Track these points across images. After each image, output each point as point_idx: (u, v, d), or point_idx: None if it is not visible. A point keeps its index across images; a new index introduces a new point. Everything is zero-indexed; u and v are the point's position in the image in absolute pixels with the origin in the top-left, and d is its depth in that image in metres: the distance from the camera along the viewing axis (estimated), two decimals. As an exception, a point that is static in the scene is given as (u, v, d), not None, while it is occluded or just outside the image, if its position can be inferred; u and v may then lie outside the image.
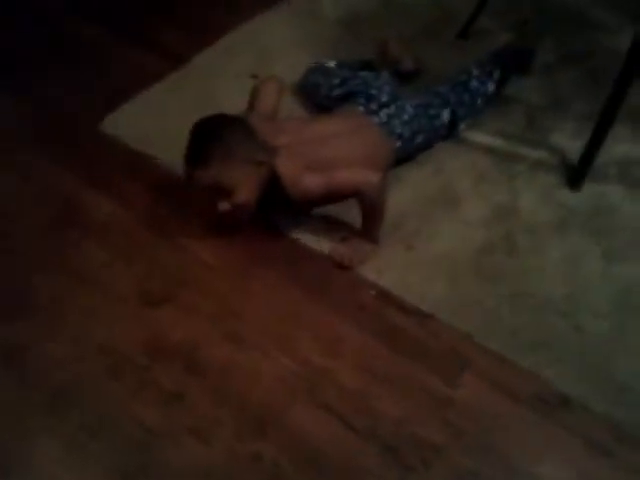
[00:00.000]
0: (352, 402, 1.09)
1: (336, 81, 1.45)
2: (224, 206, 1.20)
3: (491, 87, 1.49)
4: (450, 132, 1.46)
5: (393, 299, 1.21)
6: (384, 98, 1.39)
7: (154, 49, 1.73)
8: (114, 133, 1.52)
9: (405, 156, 1.40)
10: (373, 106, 1.38)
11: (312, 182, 1.22)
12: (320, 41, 1.75)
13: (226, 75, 1.66)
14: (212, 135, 1.21)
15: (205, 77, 1.65)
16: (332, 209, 1.33)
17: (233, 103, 1.54)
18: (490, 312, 1.18)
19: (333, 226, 1.32)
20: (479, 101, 1.47)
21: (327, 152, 1.26)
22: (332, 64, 1.57)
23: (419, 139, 1.39)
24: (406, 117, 1.36)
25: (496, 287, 1.22)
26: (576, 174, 1.39)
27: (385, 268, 1.25)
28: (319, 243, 1.29)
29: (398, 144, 1.36)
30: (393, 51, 1.62)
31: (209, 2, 1.91)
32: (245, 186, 1.21)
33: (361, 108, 1.38)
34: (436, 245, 1.28)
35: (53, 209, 1.37)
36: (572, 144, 1.47)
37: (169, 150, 1.45)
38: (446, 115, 1.42)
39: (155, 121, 1.54)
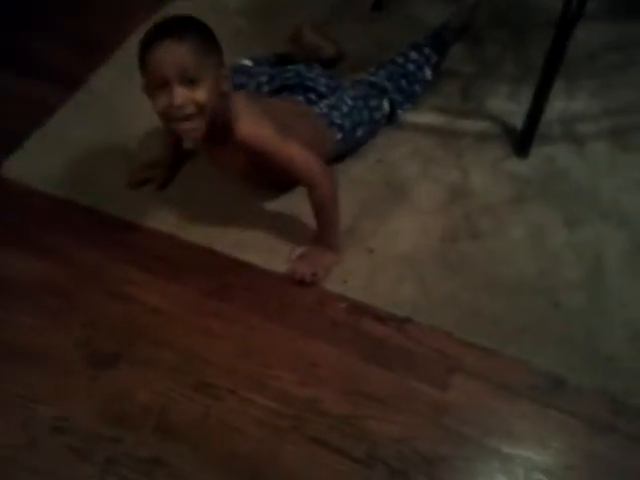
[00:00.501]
0: (344, 429, 1.01)
1: (264, 79, 1.34)
2: (182, 95, 0.98)
3: (428, 73, 1.42)
4: (389, 120, 1.38)
5: (365, 309, 1.13)
6: (322, 89, 1.31)
7: (43, 75, 1.55)
8: (17, 177, 1.35)
9: (347, 150, 1.32)
10: (312, 96, 1.29)
11: (268, 131, 1.09)
12: (225, 36, 1.61)
13: (130, 93, 1.50)
14: (194, 23, 1.04)
15: (107, 99, 1.50)
16: (282, 224, 1.24)
17: (144, 123, 1.41)
18: (467, 305, 1.13)
19: (287, 241, 1.22)
20: (417, 87, 1.40)
21: (283, 123, 1.13)
22: (248, 62, 1.45)
23: (360, 132, 1.30)
24: (345, 109, 1.28)
25: (467, 277, 1.16)
26: (522, 141, 1.35)
27: (350, 277, 1.17)
28: (275, 263, 1.19)
29: (339, 136, 1.27)
30: (309, 39, 1.52)
31: (91, 12, 1.74)
32: (210, 87, 1.01)
33: (301, 98, 1.29)
34: (397, 243, 1.21)
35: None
36: (510, 107, 1.43)
37: (83, 189, 1.32)
38: (386, 105, 1.34)
39: (60, 158, 1.38)
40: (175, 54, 0.98)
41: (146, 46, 1.00)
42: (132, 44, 1.60)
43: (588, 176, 1.30)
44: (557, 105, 1.41)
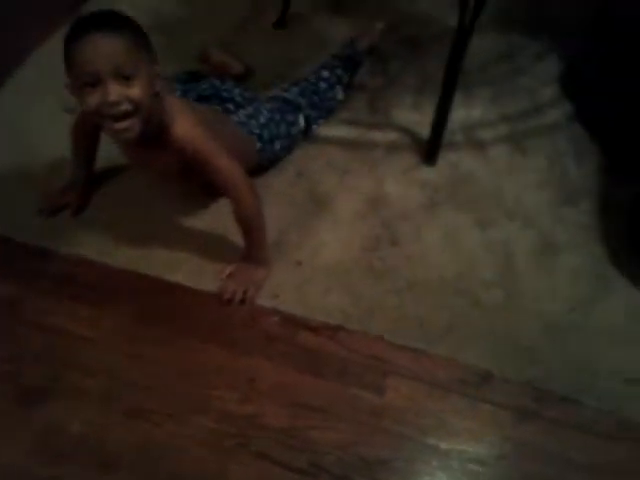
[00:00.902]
0: (287, 442, 1.03)
1: (177, 93, 1.32)
2: (117, 91, 0.93)
3: (340, 93, 1.47)
4: (304, 134, 1.41)
5: (298, 321, 1.16)
6: (238, 99, 1.32)
7: None
8: None
9: (266, 162, 1.34)
10: (230, 106, 1.31)
11: (203, 136, 1.06)
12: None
13: (35, 116, 1.45)
14: (124, 17, 0.97)
15: (10, 120, 1.43)
16: (208, 242, 1.24)
17: (52, 144, 1.37)
18: (394, 309, 1.18)
19: (215, 260, 1.22)
20: (330, 104, 1.45)
21: (211, 129, 1.11)
22: None
23: (278, 145, 1.32)
24: (263, 119, 1.29)
25: (391, 282, 1.21)
26: (429, 150, 1.42)
27: (280, 291, 1.19)
28: (205, 282, 1.19)
29: (258, 145, 1.28)
30: (217, 58, 1.53)
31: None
32: (144, 85, 0.96)
33: (218, 108, 1.29)
34: (323, 254, 1.25)
35: None
36: (415, 118, 1.51)
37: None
38: (302, 120, 1.37)
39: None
40: (109, 48, 0.92)
41: (73, 40, 0.93)
42: (30, 64, 1.55)
43: (492, 179, 1.39)
44: (458, 114, 1.49)
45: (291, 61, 1.62)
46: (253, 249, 1.18)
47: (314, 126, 1.42)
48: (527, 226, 1.31)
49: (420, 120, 1.49)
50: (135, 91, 0.95)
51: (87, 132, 1.22)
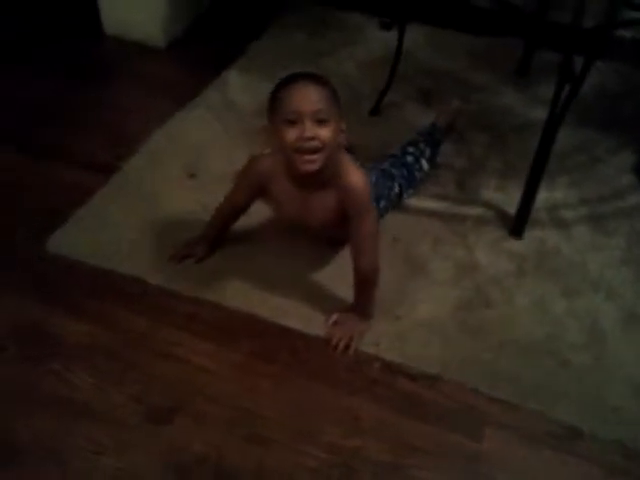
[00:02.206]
0: (391, 476, 1.10)
1: None
2: (313, 130, 1.12)
3: (425, 165, 1.61)
4: (396, 203, 1.56)
5: (398, 368, 1.25)
6: None
7: (79, 163, 1.67)
8: (61, 252, 1.43)
9: None
10: None
11: (368, 190, 1.24)
12: (241, 132, 1.79)
13: (162, 179, 1.64)
14: (327, 79, 1.19)
15: (140, 184, 1.62)
16: (316, 292, 1.36)
17: (177, 206, 1.56)
18: (488, 364, 1.26)
19: (321, 307, 1.34)
20: (417, 175, 1.59)
21: None
22: None
23: (382, 204, 1.47)
24: (373, 178, 1.43)
25: (485, 339, 1.30)
26: (516, 225, 1.54)
27: (381, 340, 1.29)
28: (313, 327, 1.30)
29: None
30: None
31: (117, 109, 1.89)
32: (333, 131, 1.15)
33: None
34: (420, 311, 1.35)
35: (23, 341, 1.26)
36: (499, 197, 1.64)
37: (126, 261, 1.42)
38: (397, 187, 1.52)
39: (103, 234, 1.48)
40: (314, 94, 1.13)
41: (286, 85, 1.15)
42: (158, 136, 1.77)
43: (576, 254, 1.49)
44: (541, 195, 1.61)
45: (384, 144, 1.79)
46: (363, 302, 1.30)
47: (404, 195, 1.56)
48: (611, 298, 1.40)
49: (505, 200, 1.62)
50: (325, 133, 1.14)
51: (236, 206, 1.39)
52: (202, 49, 2.14)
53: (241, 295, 1.35)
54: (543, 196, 1.63)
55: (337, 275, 1.38)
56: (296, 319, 1.31)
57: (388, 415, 1.18)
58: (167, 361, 1.23)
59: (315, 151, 1.14)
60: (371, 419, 1.17)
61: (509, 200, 1.59)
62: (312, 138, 1.13)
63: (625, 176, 1.72)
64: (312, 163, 1.15)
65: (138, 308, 1.32)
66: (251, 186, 1.33)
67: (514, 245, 1.51)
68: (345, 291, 1.34)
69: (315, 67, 1.99)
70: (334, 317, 1.30)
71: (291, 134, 1.14)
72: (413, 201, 1.61)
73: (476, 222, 1.57)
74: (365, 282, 1.28)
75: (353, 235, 1.25)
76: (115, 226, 1.50)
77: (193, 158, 1.71)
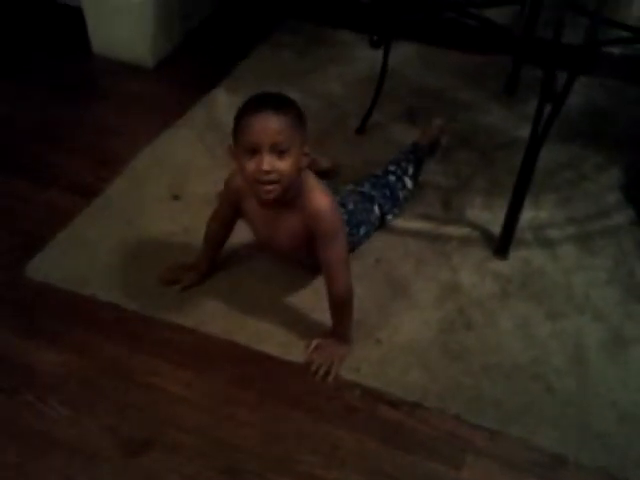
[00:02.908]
0: (369, 509, 1.07)
1: None
2: (270, 163, 1.10)
3: (409, 183, 1.60)
4: (380, 224, 1.54)
5: (378, 395, 1.22)
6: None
7: (59, 184, 1.66)
8: (40, 278, 1.42)
9: (350, 246, 1.45)
10: None
11: (335, 207, 1.23)
12: (225, 153, 1.77)
13: (145, 201, 1.63)
14: (289, 100, 1.16)
15: (124, 206, 1.61)
16: (295, 317, 1.34)
17: (160, 227, 1.54)
18: (470, 389, 1.24)
19: (300, 333, 1.32)
20: (400, 194, 1.58)
21: None
22: None
23: (363, 231, 1.45)
24: (350, 206, 1.43)
25: (467, 364, 1.28)
26: (501, 245, 1.52)
27: (362, 366, 1.27)
28: (292, 354, 1.28)
29: (347, 229, 1.38)
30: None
31: (102, 129, 1.88)
32: (294, 161, 1.13)
33: None
34: (401, 334, 1.33)
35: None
36: (485, 216, 1.62)
37: (104, 286, 1.40)
38: (377, 210, 1.50)
39: (82, 259, 1.47)
40: (271, 126, 1.10)
41: (245, 114, 1.12)
42: (142, 157, 1.76)
43: (561, 275, 1.47)
44: (527, 214, 1.59)
45: (370, 163, 1.77)
46: (340, 327, 1.28)
47: (389, 216, 1.54)
48: (596, 320, 1.37)
49: (491, 219, 1.60)
50: (284, 165, 1.12)
51: (223, 222, 1.38)
52: (190, 68, 2.13)
53: (219, 321, 1.33)
54: (529, 215, 1.61)
55: (316, 299, 1.36)
56: (274, 345, 1.29)
57: (368, 444, 1.16)
58: (143, 390, 1.21)
59: (272, 182, 1.13)
60: (351, 448, 1.15)
61: (495, 219, 1.58)
62: (269, 172, 1.11)
63: (612, 194, 1.70)
64: (270, 193, 1.15)
65: (114, 335, 1.30)
66: (230, 202, 1.33)
67: (499, 266, 1.49)
68: (325, 315, 1.32)
69: (301, 86, 1.99)
70: (314, 343, 1.28)
71: (250, 165, 1.13)
72: (397, 221, 1.59)
73: (461, 242, 1.55)
74: (340, 307, 1.26)
75: (323, 261, 1.23)
76: (94, 250, 1.49)
77: (177, 179, 1.70)
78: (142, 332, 1.31)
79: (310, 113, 1.92)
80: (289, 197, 1.19)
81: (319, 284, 1.39)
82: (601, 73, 2.12)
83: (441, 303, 1.40)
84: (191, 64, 2.14)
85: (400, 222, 1.59)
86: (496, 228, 1.54)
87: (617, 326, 1.36)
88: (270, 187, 1.14)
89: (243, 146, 1.13)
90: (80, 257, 1.47)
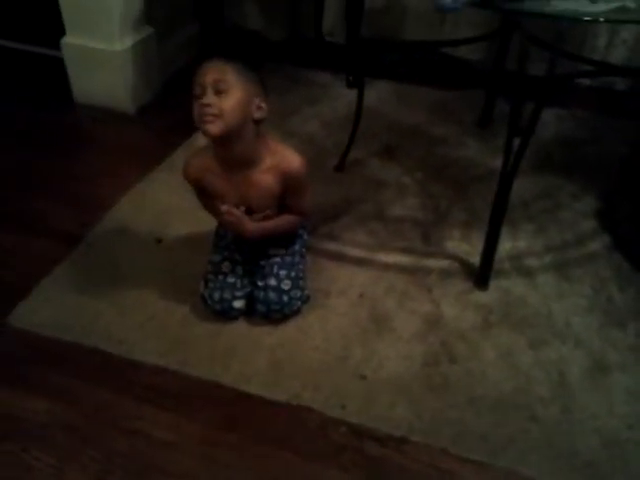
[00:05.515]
0: None
1: None
2: (211, 98, 1.21)
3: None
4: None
5: (365, 431, 1.22)
6: None
7: (42, 232, 1.67)
8: (24, 326, 1.41)
9: None
10: None
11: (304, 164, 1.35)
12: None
13: (128, 245, 1.64)
14: (245, 64, 1.27)
15: (107, 252, 1.62)
16: (279, 356, 1.35)
17: (142, 273, 1.55)
18: (455, 422, 1.24)
19: (286, 373, 1.32)
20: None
21: None
22: None
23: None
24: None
25: (452, 396, 1.29)
26: (480, 276, 1.54)
27: (347, 402, 1.27)
28: (276, 393, 1.28)
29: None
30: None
31: (84, 175, 1.90)
32: (236, 102, 1.22)
33: None
34: (385, 369, 1.34)
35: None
36: (464, 248, 1.65)
37: (90, 332, 1.41)
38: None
39: (66, 305, 1.46)
40: (217, 66, 1.23)
41: (200, 64, 1.25)
42: (123, 203, 1.78)
43: (542, 303, 1.49)
44: (505, 245, 1.63)
45: (348, 200, 1.81)
46: (266, 223, 1.39)
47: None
48: (578, 347, 1.39)
49: (470, 250, 1.63)
50: (225, 102, 1.22)
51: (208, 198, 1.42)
52: (170, 114, 2.16)
53: (203, 362, 1.33)
54: (507, 245, 1.64)
55: (300, 339, 1.38)
56: (259, 385, 1.29)
57: (356, 481, 1.15)
58: (128, 436, 1.20)
59: (213, 119, 1.21)
60: (339, 487, 1.14)
61: (474, 251, 1.60)
62: (208, 105, 1.20)
63: (588, 221, 1.74)
64: (210, 124, 1.21)
65: (99, 381, 1.30)
66: (197, 188, 1.41)
67: (480, 297, 1.51)
68: (310, 355, 1.33)
69: (280, 127, 2.03)
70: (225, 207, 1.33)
71: (196, 105, 1.23)
72: (379, 256, 1.61)
73: (442, 275, 1.57)
74: (284, 222, 1.41)
75: (295, 206, 1.40)
76: (78, 296, 1.49)
77: (160, 222, 1.72)
78: (127, 376, 1.30)
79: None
80: (255, 157, 1.31)
81: (303, 323, 1.41)
82: (572, 105, 2.19)
83: (424, 336, 1.41)
84: (171, 110, 2.17)
85: (381, 256, 1.61)
86: (475, 259, 1.57)
87: (599, 352, 1.38)
88: (210, 118, 1.21)
89: (194, 92, 1.23)
90: (64, 303, 1.47)
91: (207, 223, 1.51)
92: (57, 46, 2.17)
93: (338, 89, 2.31)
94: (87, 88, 2.19)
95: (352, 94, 2.07)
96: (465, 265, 1.59)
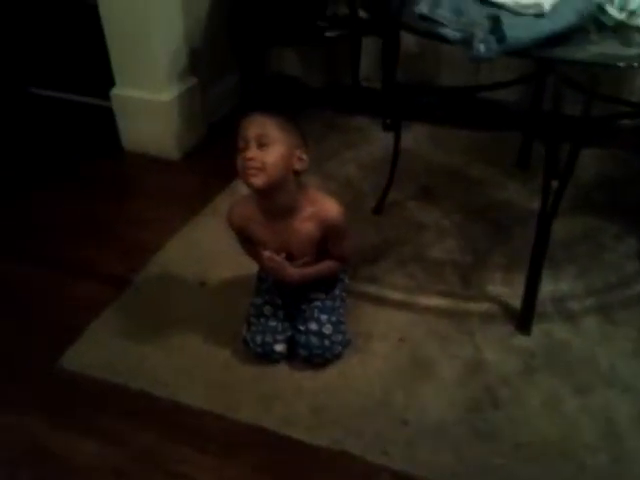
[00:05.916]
0: None
1: None
2: (254, 152, 1.25)
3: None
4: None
5: (407, 478, 1.22)
6: None
7: (91, 276, 1.74)
8: (74, 368, 1.46)
9: None
10: None
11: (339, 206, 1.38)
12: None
13: (173, 289, 1.69)
14: (284, 116, 1.31)
15: (153, 295, 1.67)
16: (321, 400, 1.36)
17: (188, 314, 1.58)
18: (500, 469, 1.23)
19: (327, 417, 1.33)
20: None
21: None
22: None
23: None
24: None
25: (496, 443, 1.27)
26: (522, 320, 1.53)
27: (389, 448, 1.27)
28: (320, 439, 1.29)
29: None
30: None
31: (132, 221, 1.97)
32: (278, 155, 1.26)
33: None
34: (428, 414, 1.33)
35: (30, 465, 1.27)
36: (505, 291, 1.63)
37: (136, 375, 1.44)
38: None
39: (112, 348, 1.51)
40: (259, 121, 1.27)
41: (244, 115, 1.31)
42: (169, 247, 1.83)
43: (586, 347, 1.47)
44: (547, 287, 1.61)
45: (388, 242, 1.83)
46: (313, 271, 1.41)
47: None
48: (625, 392, 1.36)
49: (511, 293, 1.62)
50: (267, 156, 1.25)
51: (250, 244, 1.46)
52: (214, 159, 2.23)
53: (246, 405, 1.35)
54: (549, 288, 1.63)
55: (341, 384, 1.39)
56: (300, 429, 1.30)
57: (400, 530, 1.15)
58: (173, 479, 1.22)
59: (256, 172, 1.25)
60: (382, 536, 1.14)
61: (515, 294, 1.59)
62: (251, 158, 1.24)
63: (631, 263, 1.71)
64: (253, 177, 1.25)
65: (145, 423, 1.33)
66: (240, 236, 1.45)
67: (522, 341, 1.50)
68: (351, 400, 1.34)
69: (319, 171, 2.08)
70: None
71: (240, 160, 1.27)
72: (419, 299, 1.62)
73: (483, 318, 1.57)
74: (331, 268, 1.43)
75: (335, 253, 1.42)
76: (126, 339, 1.53)
77: (204, 266, 1.76)
78: (172, 419, 1.33)
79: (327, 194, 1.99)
80: (295, 206, 1.34)
81: (344, 367, 1.42)
82: (611, 145, 2.18)
83: (467, 381, 1.40)
84: (215, 155, 2.24)
85: (422, 299, 1.62)
86: (517, 302, 1.56)
87: (647, 398, 1.35)
88: (254, 171, 1.25)
89: (238, 145, 1.27)
90: (112, 346, 1.51)
91: (249, 267, 1.55)
92: (107, 97, 2.27)
93: (375, 133, 2.35)
94: (135, 136, 2.28)
95: (389, 138, 2.11)
96: (506, 308, 1.59)
